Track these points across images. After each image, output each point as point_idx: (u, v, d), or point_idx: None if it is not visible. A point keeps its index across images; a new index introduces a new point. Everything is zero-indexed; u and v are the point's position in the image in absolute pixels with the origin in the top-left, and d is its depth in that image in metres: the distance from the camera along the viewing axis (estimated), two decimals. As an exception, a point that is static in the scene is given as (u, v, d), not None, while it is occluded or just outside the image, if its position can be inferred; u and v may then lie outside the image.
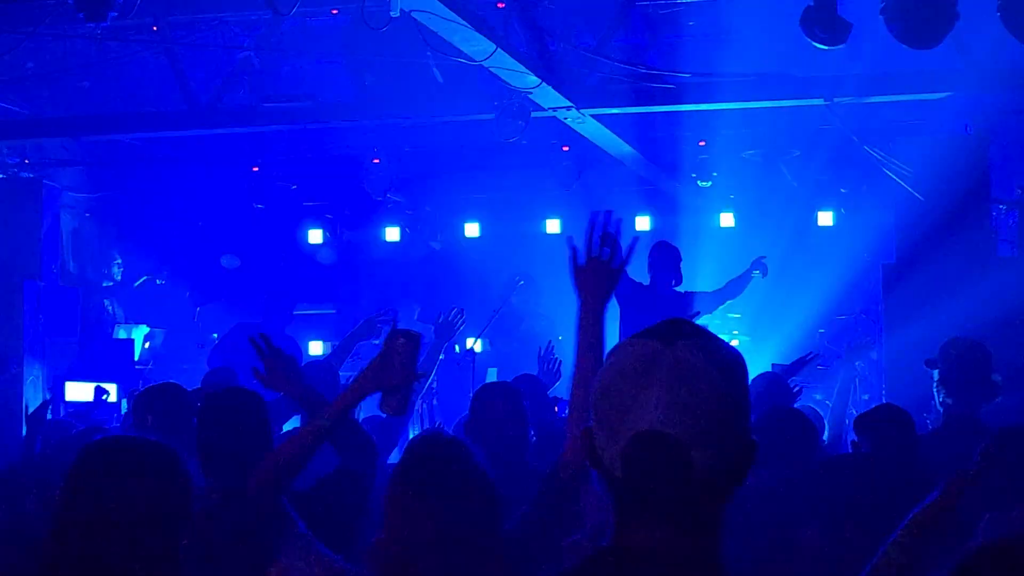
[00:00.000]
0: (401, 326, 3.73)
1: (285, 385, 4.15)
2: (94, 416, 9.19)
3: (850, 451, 5.16)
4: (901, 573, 3.26)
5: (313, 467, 3.85)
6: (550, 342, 7.53)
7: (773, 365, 9.13)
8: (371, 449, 4.34)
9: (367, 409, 7.02)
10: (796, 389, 6.98)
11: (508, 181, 13.09)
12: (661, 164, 12.04)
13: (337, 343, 10.07)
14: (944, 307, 8.00)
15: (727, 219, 13.01)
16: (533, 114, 9.44)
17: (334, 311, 13.98)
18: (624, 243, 3.45)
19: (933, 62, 8.32)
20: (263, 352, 4.09)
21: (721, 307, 10.19)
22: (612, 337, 2.88)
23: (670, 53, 9.40)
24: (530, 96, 9.07)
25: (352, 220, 14.25)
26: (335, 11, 8.85)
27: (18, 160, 12.26)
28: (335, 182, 13.67)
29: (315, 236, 14.24)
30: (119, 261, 14.04)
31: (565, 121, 9.77)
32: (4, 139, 11.34)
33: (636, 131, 10.81)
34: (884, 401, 8.19)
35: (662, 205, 13.21)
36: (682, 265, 9.58)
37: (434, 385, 8.96)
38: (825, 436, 6.53)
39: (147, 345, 13.27)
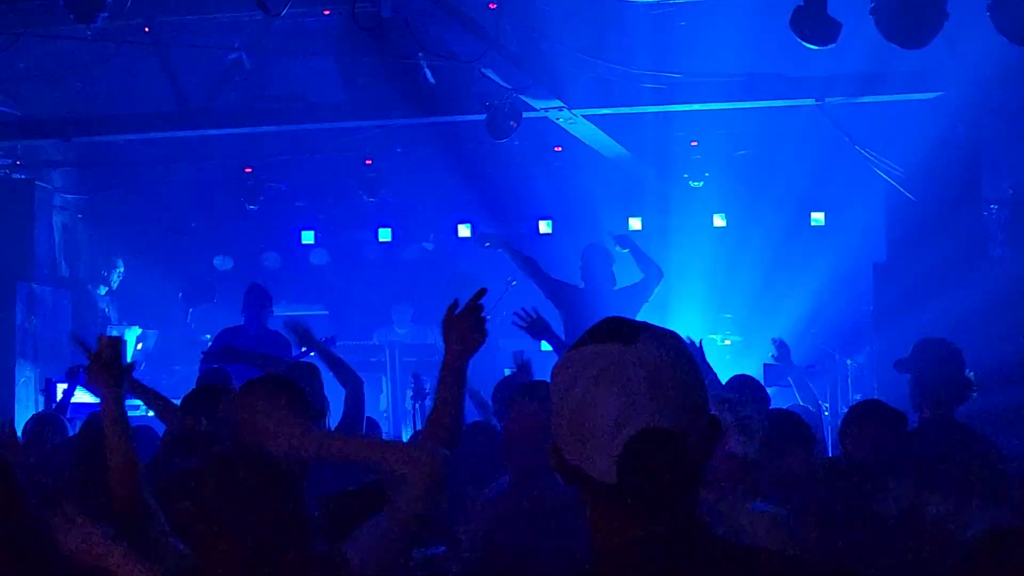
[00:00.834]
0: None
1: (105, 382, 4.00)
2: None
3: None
4: None
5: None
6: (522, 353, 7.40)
7: (765, 365, 9.17)
8: None
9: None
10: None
11: (500, 182, 13.08)
12: (653, 164, 12.05)
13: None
14: (935, 306, 8.02)
15: (718, 219, 13.02)
16: (525, 114, 9.45)
17: (327, 312, 13.97)
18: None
19: (923, 62, 8.34)
20: (89, 351, 4.07)
21: (713, 307, 10.19)
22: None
23: (661, 53, 9.41)
24: (522, 96, 9.08)
25: (344, 221, 14.24)
26: (327, 11, 8.86)
27: (10, 161, 12.25)
28: (327, 183, 13.66)
29: (307, 237, 14.24)
30: (120, 270, 14.00)
31: (557, 121, 9.78)
32: (-4, 140, 11.34)
33: (628, 131, 10.82)
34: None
35: (653, 205, 13.21)
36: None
37: (427, 387, 8.95)
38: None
39: (139, 346, 13.25)
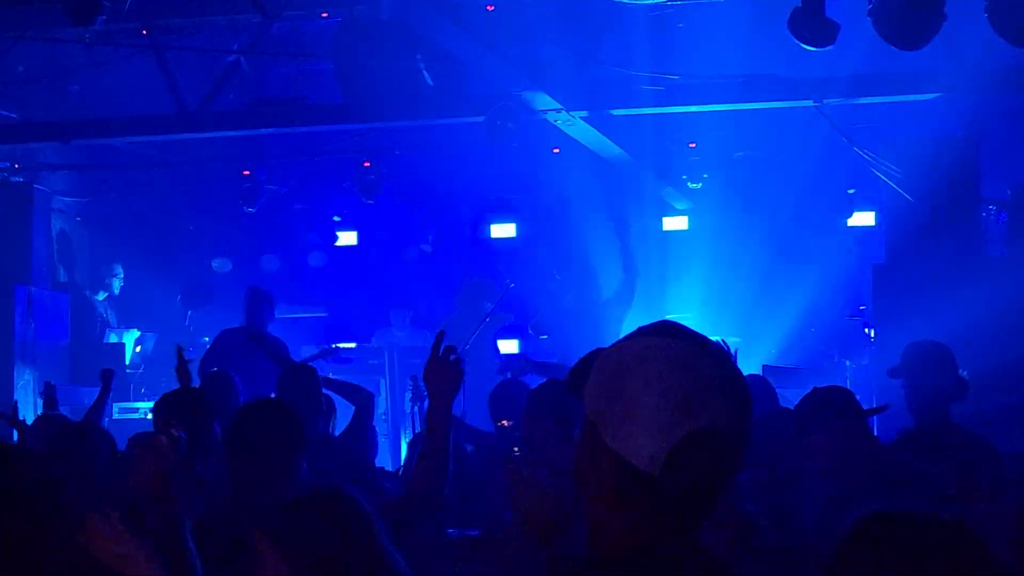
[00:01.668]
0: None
1: None
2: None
3: None
4: None
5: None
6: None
7: (763, 366, 9.17)
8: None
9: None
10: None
11: (499, 183, 13.08)
12: (651, 166, 12.04)
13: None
14: (934, 307, 8.01)
15: (716, 220, 13.01)
16: (523, 117, 9.44)
17: (326, 314, 13.97)
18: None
19: (922, 63, 8.33)
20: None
21: (712, 307, 10.18)
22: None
23: (659, 55, 9.40)
24: (520, 98, 9.08)
25: (343, 223, 14.23)
26: (325, 14, 8.85)
27: (8, 164, 12.24)
28: (326, 185, 13.66)
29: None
30: (120, 276, 13.98)
31: (555, 123, 9.77)
32: (-6, 143, 11.33)
33: (626, 133, 10.82)
34: (876, 403, 8.20)
35: (651, 207, 13.20)
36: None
37: (425, 391, 8.94)
38: None
39: (138, 349, 13.24)
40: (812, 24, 6.91)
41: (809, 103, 9.07)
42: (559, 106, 9.30)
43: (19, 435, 6.96)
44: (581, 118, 9.64)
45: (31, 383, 11.50)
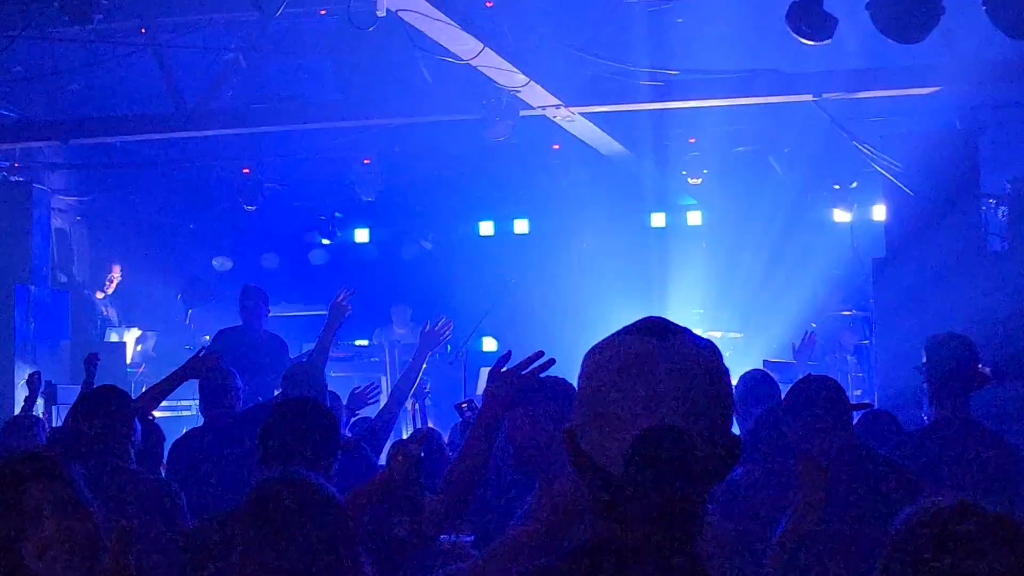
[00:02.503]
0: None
1: None
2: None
3: None
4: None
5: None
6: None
7: (764, 361, 9.15)
8: None
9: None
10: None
11: (498, 180, 13.08)
12: (651, 161, 12.04)
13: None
14: (935, 301, 8.01)
15: (716, 216, 13.02)
16: (522, 113, 9.44)
17: (326, 312, 13.95)
18: None
19: (921, 57, 8.33)
20: None
21: (713, 303, 10.19)
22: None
23: (659, 50, 9.39)
24: (519, 95, 9.07)
25: (343, 221, 14.23)
26: (323, 11, 8.84)
27: (7, 163, 12.24)
28: (325, 183, 13.65)
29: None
30: (119, 279, 13.98)
31: (554, 119, 9.76)
32: (-7, 143, 11.33)
33: (625, 129, 10.81)
34: (878, 396, 8.20)
35: (652, 202, 13.21)
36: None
37: (427, 387, 8.94)
38: None
39: (139, 348, 13.24)
40: (810, 18, 6.90)
41: (809, 97, 9.07)
42: (558, 102, 9.29)
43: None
44: (580, 114, 9.64)
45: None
